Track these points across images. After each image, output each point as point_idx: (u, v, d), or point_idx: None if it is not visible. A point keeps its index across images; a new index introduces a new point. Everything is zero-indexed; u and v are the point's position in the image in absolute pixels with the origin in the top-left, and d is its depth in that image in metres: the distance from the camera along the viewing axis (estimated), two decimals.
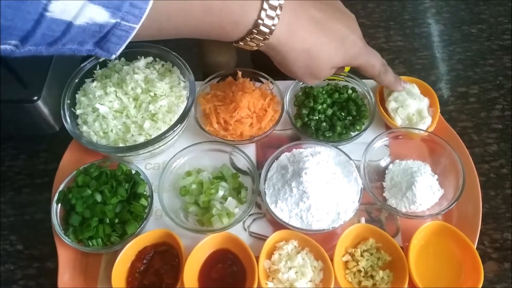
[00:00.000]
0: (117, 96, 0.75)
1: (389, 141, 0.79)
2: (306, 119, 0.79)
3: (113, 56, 0.46)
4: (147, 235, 0.69)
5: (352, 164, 0.73)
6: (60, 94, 0.75)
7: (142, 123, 0.73)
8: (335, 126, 0.78)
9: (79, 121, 0.75)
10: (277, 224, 0.71)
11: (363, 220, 0.74)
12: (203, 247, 0.68)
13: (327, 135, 0.78)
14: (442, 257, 0.69)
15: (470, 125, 0.86)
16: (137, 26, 0.43)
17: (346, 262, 0.69)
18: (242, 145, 0.78)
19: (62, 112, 0.74)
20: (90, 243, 0.68)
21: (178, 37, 0.50)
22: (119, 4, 0.40)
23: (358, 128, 0.79)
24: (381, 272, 0.67)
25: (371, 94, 0.82)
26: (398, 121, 0.79)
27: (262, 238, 0.72)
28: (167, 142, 0.75)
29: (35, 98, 0.73)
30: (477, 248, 0.68)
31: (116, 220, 0.69)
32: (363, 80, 0.83)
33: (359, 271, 0.68)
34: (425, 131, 0.77)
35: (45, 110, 0.75)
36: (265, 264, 0.67)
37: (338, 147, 0.76)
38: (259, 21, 0.51)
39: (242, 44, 0.55)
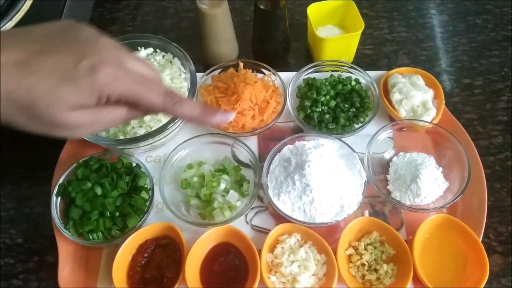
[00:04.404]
0: None
1: (393, 133, 0.78)
2: (309, 111, 0.78)
3: None
4: (148, 229, 0.68)
5: (355, 156, 0.72)
6: None
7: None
8: (339, 118, 0.77)
9: None
10: (280, 217, 0.70)
11: (366, 213, 0.73)
12: (205, 241, 0.68)
13: (330, 127, 0.77)
14: (447, 251, 0.68)
15: (475, 117, 0.85)
16: None
17: (350, 256, 0.68)
18: (244, 137, 0.77)
19: None
20: (91, 237, 0.67)
21: None
22: None
23: (361, 120, 0.78)
24: (385, 266, 0.66)
25: (375, 85, 0.81)
26: (403, 112, 0.78)
27: (264, 232, 0.71)
28: (168, 135, 0.74)
29: None
30: (482, 242, 0.67)
31: (117, 214, 0.68)
32: (367, 72, 0.82)
33: (363, 264, 0.67)
34: (430, 123, 0.76)
35: None
36: (268, 257, 0.67)
37: (342, 139, 0.75)
38: None
39: None
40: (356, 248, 0.68)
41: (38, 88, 0.44)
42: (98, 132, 0.52)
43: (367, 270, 0.67)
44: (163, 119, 0.73)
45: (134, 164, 0.73)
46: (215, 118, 0.53)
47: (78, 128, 0.48)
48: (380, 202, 0.74)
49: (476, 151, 0.75)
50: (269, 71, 0.82)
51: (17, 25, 0.73)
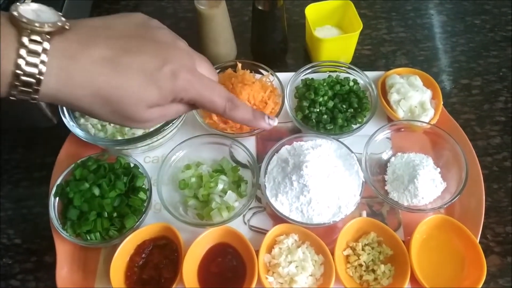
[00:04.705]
0: None
1: (391, 133, 0.78)
2: (307, 111, 0.78)
3: None
4: (146, 229, 0.68)
5: (353, 157, 0.72)
6: None
7: None
8: (336, 119, 0.77)
9: (77, 114, 0.74)
10: (278, 218, 0.70)
11: (364, 213, 0.73)
12: (203, 241, 0.68)
13: (328, 127, 0.77)
14: (444, 251, 0.68)
15: (473, 118, 0.85)
16: None
17: (347, 256, 0.68)
18: (242, 138, 0.77)
19: (59, 105, 0.73)
20: (88, 237, 0.67)
21: None
22: None
23: (359, 120, 0.78)
24: (382, 266, 0.66)
25: (373, 86, 0.81)
26: (400, 113, 0.78)
27: (262, 232, 0.71)
28: (166, 135, 0.75)
29: None
30: (479, 242, 0.67)
31: (115, 214, 0.68)
32: (365, 72, 0.82)
33: (360, 265, 0.67)
34: (428, 123, 0.76)
35: (42, 103, 0.74)
36: (265, 258, 0.67)
37: (339, 139, 0.75)
38: (18, 71, 0.43)
39: (14, 98, 0.46)
40: (353, 249, 0.68)
41: (126, 87, 0.48)
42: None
43: (364, 271, 0.67)
44: None
45: (132, 165, 0.73)
46: (263, 122, 0.61)
47: (149, 122, 0.54)
48: (378, 203, 0.74)
49: (474, 151, 0.76)
50: (267, 71, 0.82)
51: None
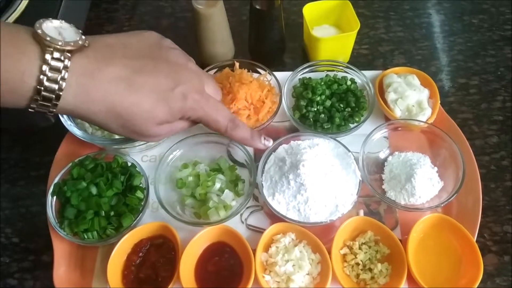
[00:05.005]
0: None
1: (389, 132, 0.78)
2: (304, 110, 0.78)
3: None
4: (143, 228, 0.68)
5: (350, 156, 0.72)
6: None
7: None
8: (334, 118, 0.77)
9: None
10: (275, 217, 0.70)
11: (361, 212, 0.73)
12: (200, 240, 0.68)
13: (325, 126, 0.77)
14: (441, 250, 0.68)
15: (470, 117, 0.85)
16: None
17: (344, 255, 0.68)
18: None
19: None
20: (86, 236, 0.67)
21: None
22: None
23: (357, 119, 0.78)
24: (379, 265, 0.66)
25: (370, 85, 0.81)
26: (398, 112, 0.78)
27: (259, 231, 0.71)
28: None
29: None
30: (477, 241, 0.67)
31: (112, 213, 0.68)
32: (362, 71, 0.82)
33: (357, 264, 0.67)
34: (425, 122, 0.76)
35: None
36: (262, 257, 0.67)
37: (337, 139, 0.75)
38: (40, 87, 0.45)
39: (32, 111, 0.48)
40: (350, 248, 0.68)
41: (139, 105, 0.52)
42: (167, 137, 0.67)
43: (361, 270, 0.67)
44: None
45: (129, 164, 0.73)
46: (259, 143, 0.68)
47: (157, 137, 0.59)
48: (375, 202, 0.74)
49: (471, 150, 0.75)
50: (265, 70, 0.82)
51: None
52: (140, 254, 0.68)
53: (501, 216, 0.74)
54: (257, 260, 0.65)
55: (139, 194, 0.70)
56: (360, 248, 0.68)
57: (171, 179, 0.75)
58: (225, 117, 0.62)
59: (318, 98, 0.78)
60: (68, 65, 0.46)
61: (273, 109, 0.78)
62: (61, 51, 0.46)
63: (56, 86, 0.46)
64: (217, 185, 0.72)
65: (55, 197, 0.70)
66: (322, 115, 0.78)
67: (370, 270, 0.67)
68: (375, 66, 0.92)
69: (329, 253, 0.66)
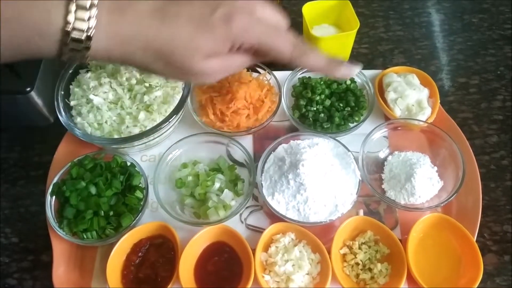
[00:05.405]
0: (111, 87, 0.74)
1: (388, 132, 0.78)
2: (303, 110, 0.78)
3: None
4: (142, 228, 0.68)
5: (350, 155, 0.72)
6: (54, 85, 0.74)
7: (137, 114, 0.72)
8: (333, 117, 0.77)
9: (73, 112, 0.74)
10: (274, 217, 0.70)
11: (361, 212, 0.73)
12: (199, 240, 0.68)
13: (325, 126, 0.77)
14: (441, 250, 0.68)
15: (470, 116, 0.85)
16: None
17: (344, 255, 0.68)
18: (239, 136, 0.77)
19: (56, 103, 0.73)
20: (85, 236, 0.67)
21: None
22: None
23: (356, 119, 0.78)
24: (379, 265, 0.66)
25: (370, 84, 0.81)
26: (397, 112, 0.78)
27: (259, 231, 0.71)
28: (162, 134, 0.74)
29: (28, 89, 0.72)
30: (476, 241, 0.67)
31: (111, 213, 0.68)
32: (362, 71, 0.82)
33: (357, 264, 0.67)
34: (425, 122, 0.76)
35: (38, 101, 0.74)
36: (262, 256, 0.67)
37: (336, 138, 0.75)
38: (68, 27, 0.42)
39: (66, 58, 0.45)
40: (350, 247, 0.68)
41: (177, 37, 0.46)
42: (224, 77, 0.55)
43: (361, 269, 0.67)
44: (158, 118, 0.73)
45: (128, 163, 0.73)
46: (340, 71, 0.55)
47: (210, 75, 0.51)
48: (375, 201, 0.74)
49: (471, 150, 0.75)
50: (264, 70, 0.82)
51: None
52: (140, 254, 0.67)
53: (501, 216, 0.74)
54: (256, 260, 0.65)
55: (138, 194, 0.70)
56: (359, 248, 0.68)
57: (170, 179, 0.75)
58: (289, 41, 0.51)
59: (318, 98, 0.78)
60: (96, 2, 0.43)
61: (272, 108, 0.78)
62: None
63: (85, 26, 0.42)
64: (217, 185, 0.72)
65: (54, 197, 0.70)
66: (322, 115, 0.78)
67: (370, 270, 0.66)
68: (374, 65, 0.92)
69: (329, 253, 0.66)
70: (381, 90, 0.82)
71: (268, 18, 0.51)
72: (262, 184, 0.71)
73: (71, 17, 0.41)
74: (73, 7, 0.41)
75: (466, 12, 1.01)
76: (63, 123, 0.72)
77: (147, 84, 0.74)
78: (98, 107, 0.72)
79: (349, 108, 0.79)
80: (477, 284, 0.63)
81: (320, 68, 0.55)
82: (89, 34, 0.43)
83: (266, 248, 0.68)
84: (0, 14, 0.40)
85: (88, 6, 0.42)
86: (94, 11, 0.42)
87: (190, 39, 0.47)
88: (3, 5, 0.40)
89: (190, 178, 0.74)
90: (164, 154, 0.74)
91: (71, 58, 0.45)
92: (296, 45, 0.52)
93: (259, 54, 0.52)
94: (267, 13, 0.51)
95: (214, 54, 0.49)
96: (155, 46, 0.46)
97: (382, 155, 0.78)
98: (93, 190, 0.68)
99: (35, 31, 0.42)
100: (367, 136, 0.74)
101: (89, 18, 0.42)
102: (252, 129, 0.76)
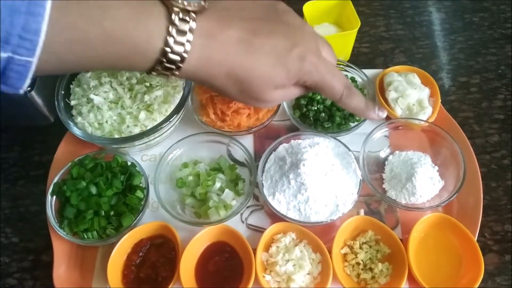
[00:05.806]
0: (112, 87, 0.73)
1: (389, 131, 0.78)
2: (304, 109, 0.78)
3: (21, 91, 0.42)
4: (143, 228, 0.68)
5: (351, 155, 0.72)
6: (54, 85, 0.74)
7: (137, 114, 0.72)
8: (334, 117, 0.77)
9: (74, 112, 0.74)
10: (275, 216, 0.70)
11: (362, 212, 0.73)
12: (200, 240, 0.68)
13: (326, 125, 0.77)
14: (442, 250, 0.68)
15: (471, 115, 0.85)
16: (34, 60, 0.39)
17: (345, 255, 0.68)
18: (240, 136, 0.77)
19: (56, 103, 0.73)
20: (85, 236, 0.67)
21: (84, 69, 0.45)
22: (6, 37, 0.37)
23: (357, 118, 0.78)
24: (380, 265, 0.66)
25: (371, 84, 0.81)
26: (398, 111, 0.78)
27: (259, 231, 0.71)
28: (163, 133, 0.74)
29: (28, 88, 0.71)
30: (477, 240, 0.67)
31: (112, 213, 0.68)
32: (363, 70, 0.82)
33: (358, 263, 0.67)
34: (426, 121, 0.76)
35: (38, 101, 0.74)
36: (263, 256, 0.67)
37: (337, 138, 0.74)
38: (167, 48, 0.45)
39: (155, 74, 0.48)
40: (351, 247, 0.68)
41: (258, 68, 0.50)
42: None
43: (362, 269, 0.67)
44: (158, 118, 0.73)
45: (129, 163, 0.73)
46: (373, 113, 0.61)
47: (272, 102, 0.56)
48: (376, 201, 0.74)
49: (472, 149, 0.75)
50: None
51: None
52: (140, 254, 0.67)
53: (502, 215, 0.74)
54: (257, 260, 0.65)
55: (139, 193, 0.70)
56: (360, 248, 0.68)
57: (171, 179, 0.75)
58: (342, 82, 0.57)
59: (319, 97, 0.78)
60: (194, 26, 0.46)
61: (273, 108, 0.78)
62: (186, 12, 0.45)
63: (182, 49, 0.46)
64: (217, 185, 0.72)
65: (54, 197, 0.70)
66: (323, 114, 0.78)
67: (371, 269, 0.66)
68: (375, 64, 0.92)
69: (330, 252, 0.66)
70: (382, 89, 0.82)
71: (327, 58, 0.56)
72: (263, 183, 0.71)
73: (171, 40, 0.45)
74: (173, 31, 0.45)
75: (467, 11, 1.01)
76: (64, 123, 0.72)
77: (147, 84, 0.74)
78: (99, 106, 0.72)
79: None
80: (478, 284, 0.63)
81: (360, 110, 0.60)
82: (184, 56, 0.46)
83: (267, 248, 0.68)
84: (110, 34, 0.42)
85: (187, 30, 0.45)
86: (190, 36, 0.46)
87: (268, 72, 0.51)
88: (112, 26, 0.42)
89: (190, 177, 0.74)
90: (165, 153, 0.74)
91: (160, 74, 0.48)
92: (346, 86, 0.57)
93: (313, 88, 0.56)
94: (326, 52, 0.56)
95: (282, 86, 0.54)
96: (237, 73, 0.50)
97: (383, 154, 0.78)
98: (93, 190, 0.68)
99: (136, 50, 0.45)
100: (368, 136, 0.74)
101: (186, 41, 0.46)
102: (253, 129, 0.76)
